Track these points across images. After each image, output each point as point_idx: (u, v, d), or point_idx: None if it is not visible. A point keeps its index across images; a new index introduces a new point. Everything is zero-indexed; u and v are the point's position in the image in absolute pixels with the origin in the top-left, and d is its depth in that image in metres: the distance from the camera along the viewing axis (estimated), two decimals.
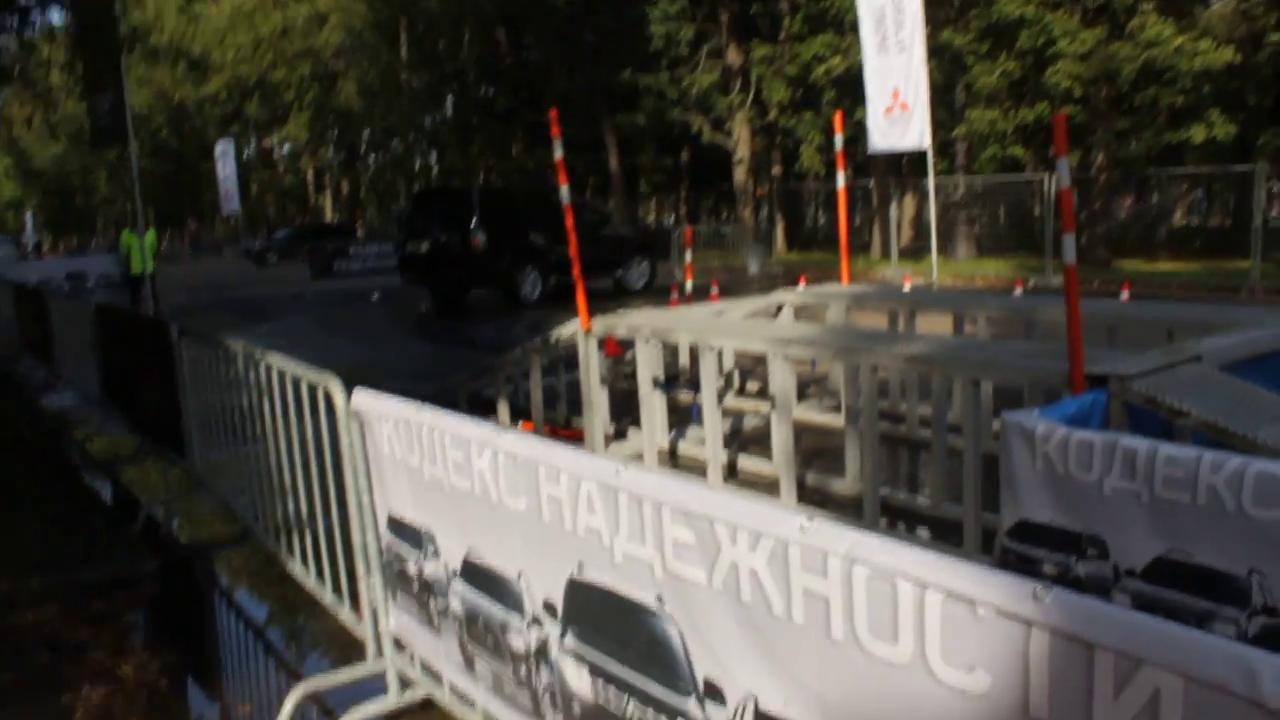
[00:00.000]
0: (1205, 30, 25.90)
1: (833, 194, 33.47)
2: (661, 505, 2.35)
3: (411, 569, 3.66)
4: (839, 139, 8.38)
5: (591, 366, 7.12)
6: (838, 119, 8.41)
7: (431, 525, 3.49)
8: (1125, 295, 14.97)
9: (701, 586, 2.26)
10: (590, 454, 2.72)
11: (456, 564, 3.34)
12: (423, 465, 3.44)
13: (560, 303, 17.98)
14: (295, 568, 4.78)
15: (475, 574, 3.24)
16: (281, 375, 4.57)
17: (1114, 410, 4.35)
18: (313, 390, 4.21)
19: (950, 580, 1.74)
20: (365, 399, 3.74)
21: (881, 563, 1.83)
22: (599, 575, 2.62)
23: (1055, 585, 1.65)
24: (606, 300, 17.27)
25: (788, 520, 2.02)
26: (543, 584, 2.87)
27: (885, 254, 26.60)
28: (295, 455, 4.64)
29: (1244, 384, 4.57)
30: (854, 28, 24.28)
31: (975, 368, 4.76)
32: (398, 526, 3.73)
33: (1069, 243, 4.49)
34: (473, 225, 18.21)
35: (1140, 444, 3.58)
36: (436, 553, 3.48)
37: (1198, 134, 23.48)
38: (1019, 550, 3.90)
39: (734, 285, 20.35)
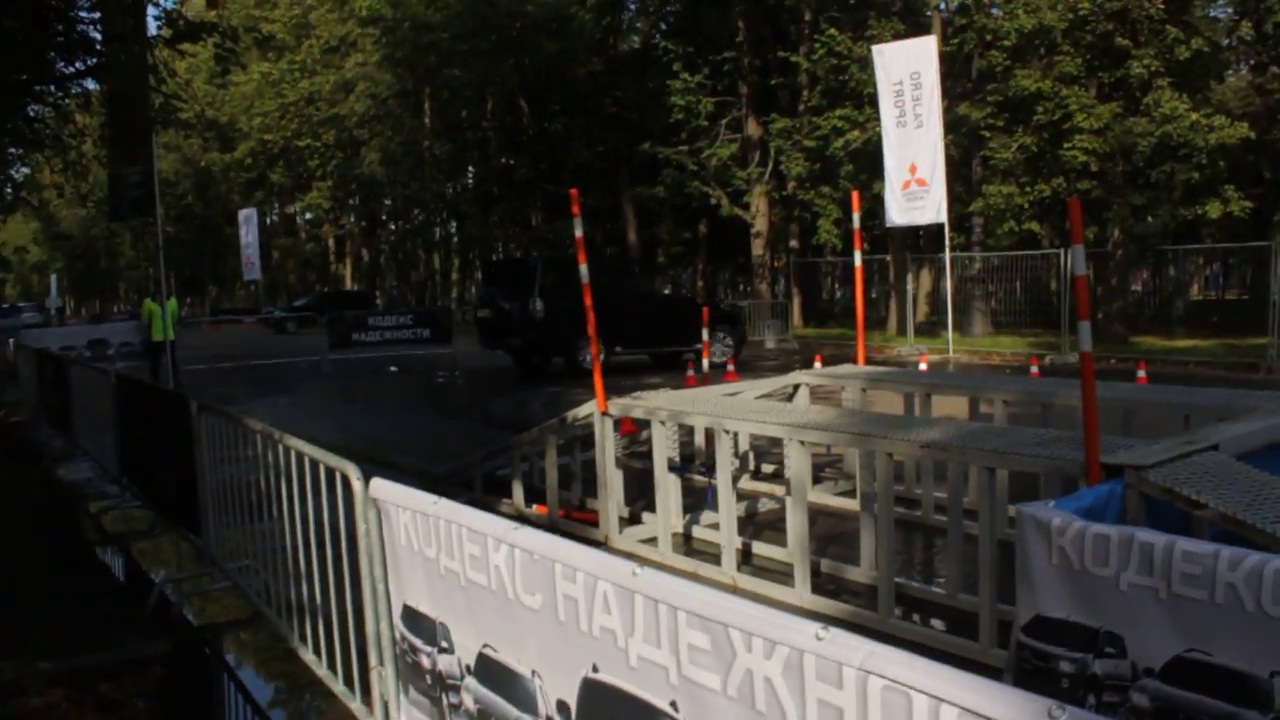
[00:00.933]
0: (1220, 106, 26.13)
1: (849, 267, 33.68)
2: (677, 609, 2.35)
3: (425, 662, 3.64)
4: (856, 217, 8.47)
5: (607, 449, 7.13)
6: (855, 198, 8.50)
7: (446, 619, 3.48)
8: (1142, 374, 14.98)
9: (716, 693, 2.26)
10: (607, 554, 2.73)
11: (470, 659, 3.33)
12: (439, 557, 3.44)
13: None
14: (307, 655, 4.76)
15: (489, 671, 3.22)
16: (300, 458, 4.60)
17: (1131, 501, 4.33)
18: (330, 474, 4.23)
19: (965, 696, 1.74)
20: (384, 488, 3.75)
21: (897, 675, 1.83)
22: (614, 677, 2.61)
23: (1070, 705, 1.65)
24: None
25: (803, 628, 2.02)
26: (556, 684, 2.86)
27: (901, 329, 26.66)
28: (311, 538, 4.64)
29: (1263, 474, 4.55)
30: (872, 101, 24.65)
31: (990, 456, 4.76)
32: (412, 618, 3.71)
33: (1084, 330, 4.51)
34: (533, 294, 18.87)
35: (1157, 539, 3.56)
36: (450, 647, 3.46)
37: (1213, 209, 23.58)
38: (1035, 647, 3.87)
39: (750, 360, 20.42)
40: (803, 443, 5.79)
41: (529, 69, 38.14)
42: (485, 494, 8.57)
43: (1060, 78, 23.90)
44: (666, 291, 20.49)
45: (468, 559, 3.27)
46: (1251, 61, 32.35)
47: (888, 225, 23.34)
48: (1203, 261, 46.02)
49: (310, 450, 4.46)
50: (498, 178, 44.84)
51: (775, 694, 2.09)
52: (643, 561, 6.85)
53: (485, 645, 3.25)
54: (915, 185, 21.01)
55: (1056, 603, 3.84)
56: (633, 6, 41.61)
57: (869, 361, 16.69)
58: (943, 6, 28.37)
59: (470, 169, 48.50)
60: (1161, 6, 23.77)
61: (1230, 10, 28.76)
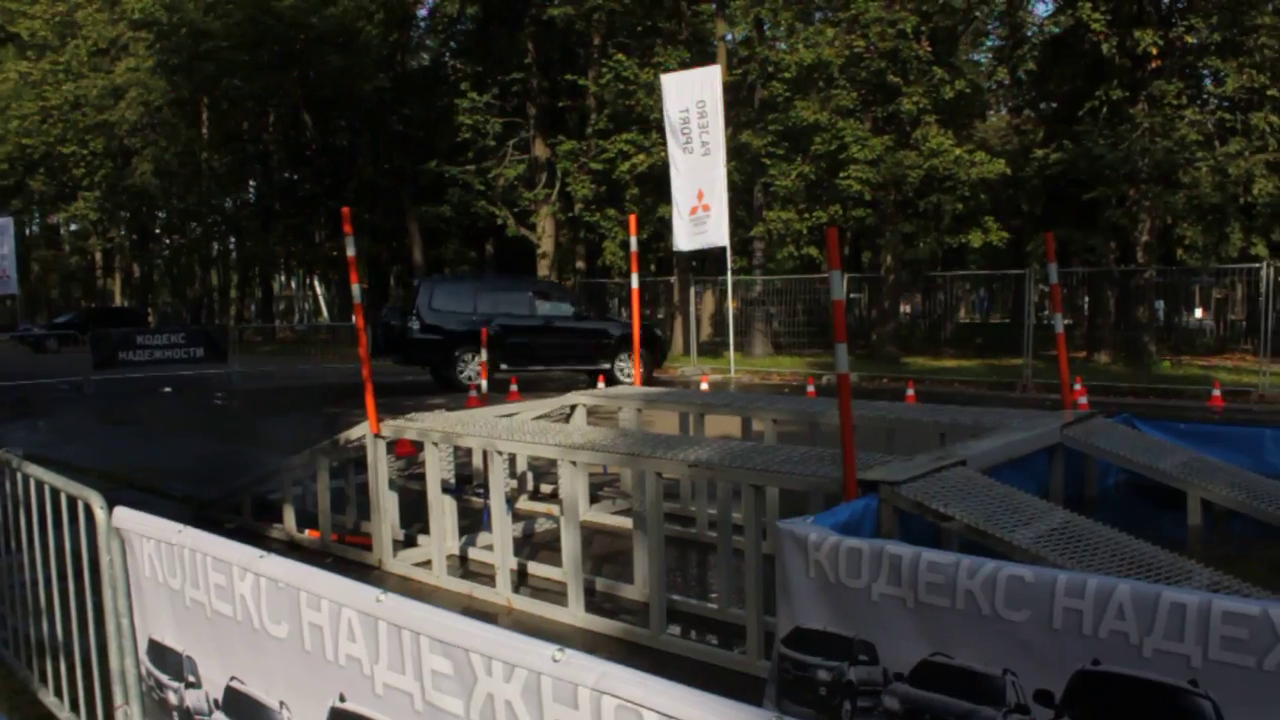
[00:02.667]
0: (982, 143, 27.93)
1: (643, 288, 34.27)
2: (420, 634, 2.32)
3: (172, 698, 3.47)
4: (634, 240, 8.60)
5: (380, 471, 6.98)
6: (632, 221, 8.64)
7: (193, 652, 3.33)
8: (911, 393, 15.78)
9: (459, 718, 2.23)
10: (352, 581, 2.66)
11: (218, 694, 3.20)
12: (184, 588, 3.29)
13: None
14: (48, 698, 4.46)
15: (237, 705, 3.10)
16: (40, 486, 4.31)
17: (885, 516, 4.54)
18: (73, 503, 3.99)
19: (695, 713, 1.77)
20: (127, 517, 3.57)
21: (629, 694, 1.85)
22: (361, 706, 2.55)
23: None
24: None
25: (540, 651, 2.02)
26: (304, 715, 2.78)
27: (686, 350, 27.22)
28: (53, 572, 4.36)
29: (1004, 487, 4.85)
30: (658, 126, 25.15)
31: (754, 474, 4.90)
32: (158, 652, 3.54)
33: (841, 352, 4.71)
34: (412, 312, 19.92)
35: (905, 550, 3.74)
36: (198, 681, 3.32)
37: (975, 238, 25.15)
38: (795, 657, 3.99)
39: (537, 381, 20.42)
40: (575, 463, 5.82)
41: (313, 82, 37.16)
42: (255, 519, 8.25)
43: (837, 110, 25.03)
44: (579, 313, 20.23)
45: (213, 589, 3.15)
46: (1010, 104, 34.74)
47: (675, 249, 23.85)
48: (969, 287, 49.02)
49: (51, 478, 4.20)
50: (280, 193, 43.45)
51: (515, 717, 2.08)
52: (416, 585, 6.70)
53: (233, 678, 3.13)
54: (702, 211, 21.52)
55: (814, 614, 3.98)
56: (422, 24, 41.18)
57: (652, 382, 16.88)
58: (729, 37, 29.30)
59: (251, 183, 46.82)
60: (929, 49, 25.26)
61: (990, 56, 30.77)
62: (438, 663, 2.27)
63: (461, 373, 19.51)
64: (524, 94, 33.43)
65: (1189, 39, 23.11)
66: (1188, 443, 6.96)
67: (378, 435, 6.98)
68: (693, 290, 27.13)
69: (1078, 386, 14.67)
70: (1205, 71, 25.12)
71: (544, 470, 9.23)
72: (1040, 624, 3.42)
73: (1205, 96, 25.03)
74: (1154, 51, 22.76)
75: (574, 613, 5.72)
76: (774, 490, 5.60)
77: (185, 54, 35.88)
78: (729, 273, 21.91)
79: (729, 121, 23.88)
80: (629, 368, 19.57)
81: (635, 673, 1.87)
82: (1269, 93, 21.79)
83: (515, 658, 2.07)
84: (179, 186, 43.21)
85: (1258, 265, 19.22)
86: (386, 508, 7.04)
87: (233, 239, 49.93)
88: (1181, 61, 23.96)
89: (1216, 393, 16.08)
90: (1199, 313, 44.54)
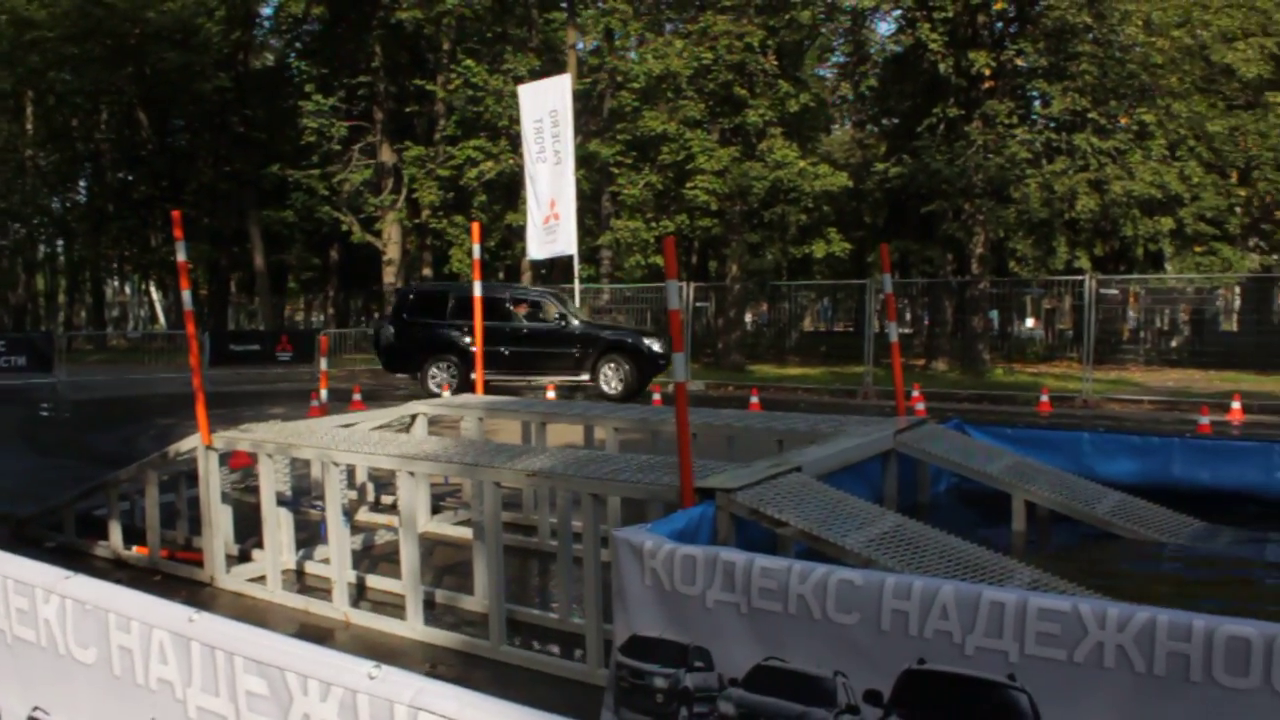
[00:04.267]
0: (826, 156, 28.69)
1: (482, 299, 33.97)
2: (234, 655, 2.24)
3: None
4: (476, 249, 8.51)
5: (212, 484, 6.73)
6: (475, 229, 8.56)
7: None
8: (755, 400, 16.07)
9: None
10: (163, 600, 2.55)
11: None
12: None
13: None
14: None
15: None
16: None
17: (721, 523, 4.59)
18: None
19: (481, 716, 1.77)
20: None
21: (444, 710, 1.83)
22: None
23: None
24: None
25: (356, 668, 1.98)
26: None
27: None
28: None
29: (838, 492, 4.97)
30: (507, 133, 25.06)
31: (592, 483, 4.90)
32: None
33: (679, 361, 4.75)
34: (388, 320, 20.41)
35: (739, 557, 3.79)
36: None
37: (819, 249, 25.81)
38: (632, 665, 4.00)
39: (380, 391, 20.08)
40: (413, 474, 5.73)
41: (150, 79, 35.66)
42: (79, 537, 7.86)
43: (685, 121, 25.38)
44: (570, 320, 19.30)
45: (14, 614, 2.98)
46: (854, 119, 35.78)
47: (529, 259, 23.78)
48: (814, 296, 50.19)
49: None
50: (113, 194, 41.56)
51: None
52: (250, 601, 6.49)
53: (35, 709, 2.97)
54: (554, 220, 21.55)
55: (650, 622, 3.99)
56: (266, 23, 40.02)
57: (496, 391, 16.70)
58: (579, 46, 29.36)
59: (82, 183, 44.70)
60: (775, 63, 25.83)
61: (835, 72, 31.61)
62: (253, 683, 2.20)
63: (434, 380, 19.28)
64: (371, 98, 32.86)
65: (1019, 62, 24.26)
66: (1015, 447, 7.25)
67: (209, 447, 6.74)
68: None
69: (915, 393, 15.20)
70: (1034, 93, 26.40)
71: (385, 481, 9.07)
72: (869, 626, 3.51)
73: (1034, 117, 26.28)
74: (987, 72, 23.80)
75: (413, 626, 5.62)
76: (616, 499, 5.61)
77: (6, 43, 34.01)
78: (576, 281, 21.96)
79: (578, 130, 23.97)
80: (614, 379, 18.76)
81: (451, 687, 1.85)
82: (1090, 115, 23.01)
83: (331, 676, 2.02)
84: (0, 185, 40.93)
85: (1081, 277, 20.27)
86: (219, 522, 6.80)
87: (61, 241, 47.55)
88: (1012, 83, 25.13)
89: (1045, 398, 16.85)
90: (1030, 322, 46.74)
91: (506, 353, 18.90)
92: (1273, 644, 3.00)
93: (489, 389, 18.60)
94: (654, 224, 26.07)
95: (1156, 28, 21.85)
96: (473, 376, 18.49)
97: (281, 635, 2.24)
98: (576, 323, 19.27)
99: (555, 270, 28.42)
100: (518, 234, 27.96)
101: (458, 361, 19.07)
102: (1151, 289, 27.48)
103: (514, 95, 24.40)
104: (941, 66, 23.84)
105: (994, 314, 25.90)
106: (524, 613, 5.88)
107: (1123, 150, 23.00)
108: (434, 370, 19.46)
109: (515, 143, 26.79)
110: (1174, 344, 31.40)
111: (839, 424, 6.64)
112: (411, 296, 20.93)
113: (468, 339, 18.41)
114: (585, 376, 19.01)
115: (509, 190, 28.32)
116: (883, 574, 3.58)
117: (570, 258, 21.87)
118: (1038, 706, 3.12)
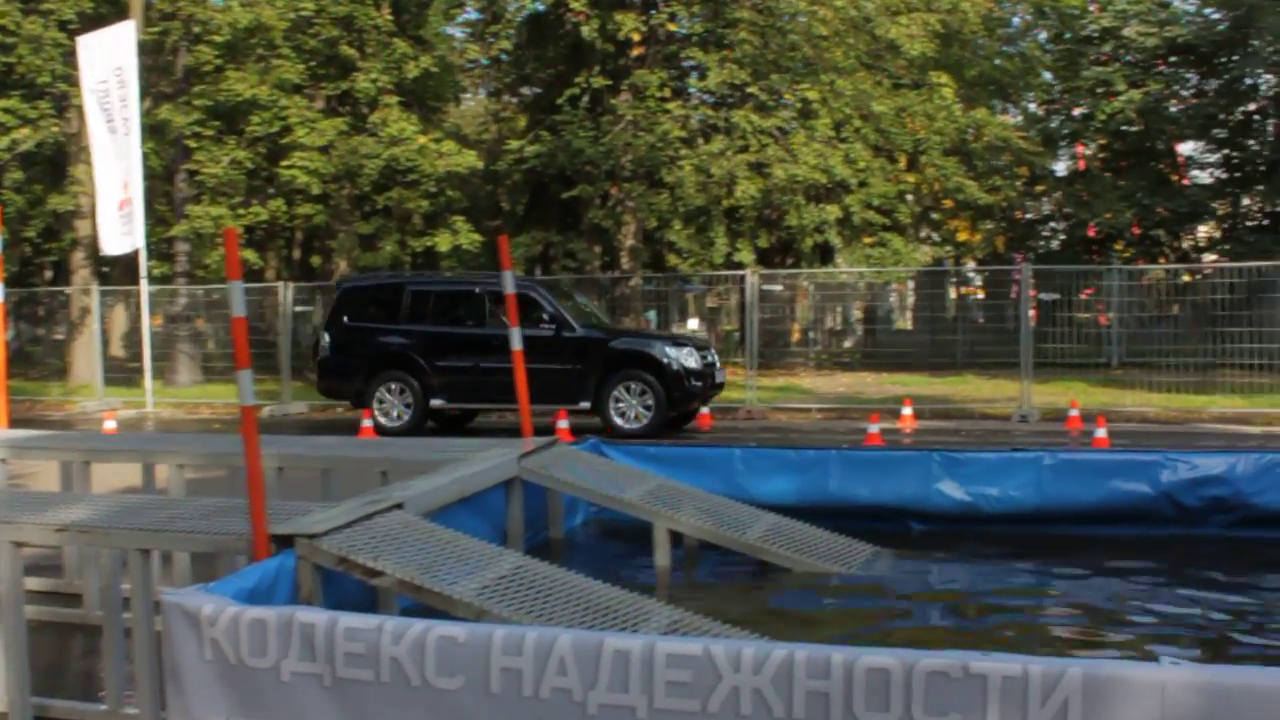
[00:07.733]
0: (453, 131, 28.78)
1: (34, 300, 31.69)
2: None
3: None
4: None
5: None
6: None
7: None
8: (367, 424, 15.86)
9: None
10: None
11: None
12: None
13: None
14: None
15: None
16: None
17: (303, 576, 4.49)
18: None
19: None
20: None
21: None
22: None
23: None
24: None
25: None
26: None
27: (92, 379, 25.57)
28: None
29: (448, 531, 4.99)
30: (51, 93, 23.54)
31: (140, 536, 4.66)
32: None
33: (245, 379, 4.62)
34: (323, 325, 18.15)
35: (319, 617, 3.73)
36: None
37: (444, 241, 25.74)
38: None
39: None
40: None
41: None
42: None
43: (280, 85, 24.65)
44: (588, 323, 15.79)
45: None
46: (488, 88, 36.05)
47: (104, 253, 22.43)
48: None
49: None
50: None
51: None
52: None
53: None
54: (129, 205, 20.55)
55: (213, 705, 3.86)
56: None
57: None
58: None
59: None
60: (390, 18, 25.62)
61: (465, 32, 31.78)
62: None
63: (381, 405, 16.65)
64: None
65: (671, 27, 25.36)
66: (660, 468, 7.57)
67: None
68: (97, 302, 25.42)
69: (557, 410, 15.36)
70: (690, 63, 27.65)
71: None
72: (477, 689, 3.54)
73: (690, 90, 27.54)
74: (636, 37, 24.72)
75: None
76: (183, 555, 5.39)
77: None
78: (144, 280, 20.95)
79: (146, 92, 22.88)
80: (632, 406, 15.98)
81: None
82: (750, 90, 24.40)
83: None
84: None
85: (743, 272, 21.37)
86: None
87: None
88: (665, 50, 26.22)
89: (704, 410, 17.57)
90: (693, 323, 48.87)
91: (478, 371, 16.35)
92: (911, 672, 3.29)
93: (448, 422, 16.67)
94: (243, 211, 25.21)
95: None
96: (433, 404, 16.78)
97: None
98: (577, 327, 16.44)
99: (118, 267, 26.95)
100: (66, 221, 26.30)
101: (414, 383, 16.62)
102: (820, 284, 29.34)
103: (57, 45, 22.92)
104: (585, 29, 24.51)
105: (651, 314, 26.82)
106: (60, 707, 5.52)
107: (785, 130, 24.53)
108: (382, 393, 16.84)
109: (61, 105, 25.15)
110: (846, 345, 33.81)
111: (455, 449, 6.69)
112: (352, 292, 18.35)
113: (430, 349, 16.55)
114: (586, 404, 16.30)
115: (55, 165, 26.58)
116: (490, 626, 3.64)
117: (136, 252, 20.90)
118: None
